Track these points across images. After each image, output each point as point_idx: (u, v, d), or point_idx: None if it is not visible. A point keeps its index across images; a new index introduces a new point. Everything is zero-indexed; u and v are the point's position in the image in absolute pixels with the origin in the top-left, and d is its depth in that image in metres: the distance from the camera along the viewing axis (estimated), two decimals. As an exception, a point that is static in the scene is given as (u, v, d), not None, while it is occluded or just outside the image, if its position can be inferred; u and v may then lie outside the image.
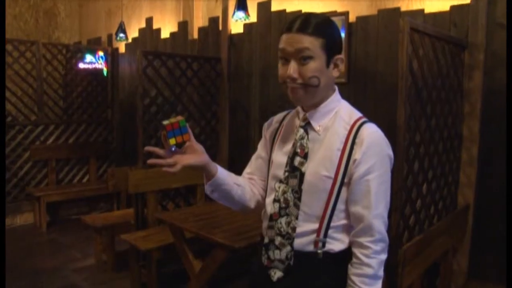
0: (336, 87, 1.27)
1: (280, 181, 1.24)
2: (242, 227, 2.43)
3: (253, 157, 1.43)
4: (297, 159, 1.21)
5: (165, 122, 1.15)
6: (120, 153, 5.18)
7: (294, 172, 1.21)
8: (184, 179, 3.42)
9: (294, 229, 1.20)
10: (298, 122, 1.27)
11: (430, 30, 2.07)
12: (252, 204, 1.36)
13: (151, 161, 1.16)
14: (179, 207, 3.52)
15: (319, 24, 1.16)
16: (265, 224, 1.29)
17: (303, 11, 3.22)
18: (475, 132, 2.41)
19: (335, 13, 3.01)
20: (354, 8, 2.95)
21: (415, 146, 2.04)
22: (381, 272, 1.17)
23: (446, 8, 2.53)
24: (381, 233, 1.17)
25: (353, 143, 1.17)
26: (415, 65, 1.96)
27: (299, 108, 1.29)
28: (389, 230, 1.86)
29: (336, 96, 1.25)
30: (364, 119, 1.22)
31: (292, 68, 1.15)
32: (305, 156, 1.21)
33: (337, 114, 1.23)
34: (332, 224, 1.19)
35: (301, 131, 1.24)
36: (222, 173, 1.26)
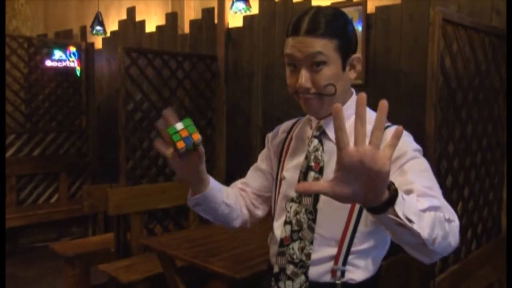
0: (354, 90, 1.30)
1: (292, 200, 1.26)
2: (243, 254, 2.44)
3: (252, 168, 1.47)
4: (311, 174, 1.24)
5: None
6: (97, 168, 5.19)
7: None
8: (174, 199, 3.44)
9: (308, 255, 1.22)
10: (310, 131, 1.30)
11: (466, 20, 2.11)
12: (236, 224, 1.39)
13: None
14: (168, 231, 3.54)
15: (330, 22, 1.16)
16: (274, 250, 1.31)
17: (312, 0, 3.27)
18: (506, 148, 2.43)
19: (350, 3, 3.06)
20: (373, -4, 3.00)
21: (448, 158, 2.07)
22: (450, 219, 0.98)
23: (487, -8, 2.55)
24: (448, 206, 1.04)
25: None
26: (448, 63, 2.00)
27: (309, 116, 1.31)
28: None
29: (353, 100, 1.27)
30: (388, 123, 1.24)
31: (304, 77, 1.17)
32: (320, 171, 1.23)
33: None
34: (353, 249, 1.20)
35: (315, 141, 1.26)
36: (214, 188, 1.26)
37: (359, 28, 3.00)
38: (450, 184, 2.10)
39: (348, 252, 1.20)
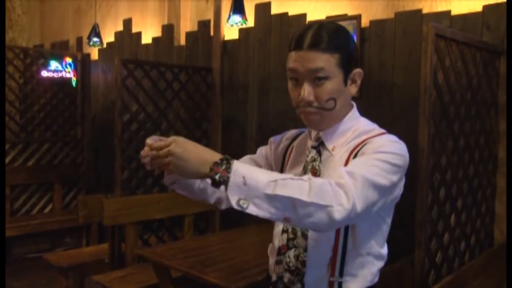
0: (354, 104, 1.33)
1: None
2: (239, 264, 2.45)
3: (248, 157, 1.48)
4: None
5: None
6: (92, 178, 5.19)
7: None
8: (169, 209, 3.45)
9: (303, 263, 1.25)
10: (310, 142, 1.33)
11: (458, 35, 2.16)
12: (212, 200, 1.38)
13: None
14: (163, 242, 3.54)
15: (332, 37, 1.20)
16: (272, 259, 1.34)
17: (308, 14, 3.33)
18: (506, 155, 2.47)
19: (345, 17, 3.11)
20: (367, 10, 3.05)
21: (441, 170, 2.10)
22: (312, 199, 1.01)
23: (478, 8, 2.61)
24: (345, 184, 1.06)
25: (356, 155, 1.20)
26: (441, 77, 2.04)
27: (311, 129, 1.34)
28: (412, 268, 1.90)
29: (354, 113, 1.31)
30: (382, 132, 1.28)
31: (307, 91, 1.20)
32: None
33: (355, 132, 1.27)
34: (350, 256, 1.22)
35: (313, 152, 1.29)
36: None
37: (353, 41, 3.04)
38: (443, 196, 2.13)
39: (343, 260, 1.22)
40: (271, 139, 1.47)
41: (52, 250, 4.77)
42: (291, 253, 1.27)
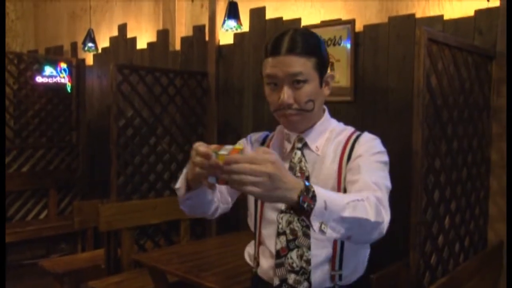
0: (325, 107, 1.41)
1: (282, 211, 1.31)
2: (236, 269, 2.46)
3: None
4: None
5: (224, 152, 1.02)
6: (87, 184, 5.19)
7: None
8: (165, 214, 3.46)
9: (308, 261, 1.28)
10: (289, 145, 1.38)
11: (451, 40, 2.19)
12: (210, 211, 1.36)
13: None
14: (159, 247, 3.55)
15: (308, 42, 1.26)
16: (268, 263, 1.35)
17: (302, 19, 3.36)
18: (506, 156, 2.50)
19: (339, 21, 3.14)
20: (361, 15, 3.08)
21: (435, 173, 2.13)
22: (375, 218, 1.08)
23: (470, 13, 2.64)
24: (382, 198, 1.15)
25: (349, 156, 1.30)
26: (434, 81, 2.07)
27: (285, 130, 1.39)
28: (407, 270, 1.92)
29: (327, 114, 1.40)
30: (358, 132, 1.37)
31: (287, 94, 1.26)
32: (307, 180, 1.30)
33: (332, 133, 1.37)
34: (345, 247, 1.29)
35: (299, 153, 1.34)
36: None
37: (347, 46, 3.08)
38: (437, 199, 2.15)
39: (342, 250, 1.29)
40: (244, 141, 1.48)
41: (47, 256, 4.77)
42: (294, 254, 1.29)
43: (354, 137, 1.35)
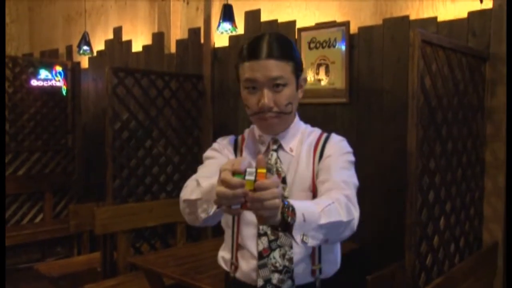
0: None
1: None
2: (232, 272, 2.47)
3: (213, 162, 1.38)
4: None
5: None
6: (83, 187, 5.18)
7: None
8: (161, 217, 3.46)
9: (291, 259, 1.30)
10: (263, 147, 1.40)
11: (444, 41, 2.20)
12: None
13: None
14: (155, 249, 3.55)
15: (285, 47, 1.30)
16: (250, 265, 1.34)
17: (297, 21, 3.37)
18: (501, 157, 2.51)
19: (334, 24, 3.16)
20: (355, 17, 3.10)
21: (430, 174, 2.14)
22: (347, 218, 1.14)
23: (463, 14, 2.67)
24: (351, 195, 1.21)
25: (320, 156, 1.35)
26: (428, 83, 2.08)
27: (258, 133, 1.41)
28: (403, 271, 1.92)
29: (297, 117, 1.44)
30: (326, 134, 1.43)
31: (267, 97, 1.28)
32: (284, 181, 1.33)
33: (303, 134, 1.41)
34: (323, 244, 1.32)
35: (275, 155, 1.37)
36: None
37: (342, 48, 3.09)
38: (432, 200, 2.16)
39: (320, 246, 1.33)
40: (216, 146, 1.46)
41: (42, 260, 4.75)
42: (276, 253, 1.31)
43: (323, 138, 1.40)
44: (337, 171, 1.28)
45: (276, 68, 1.27)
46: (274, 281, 1.30)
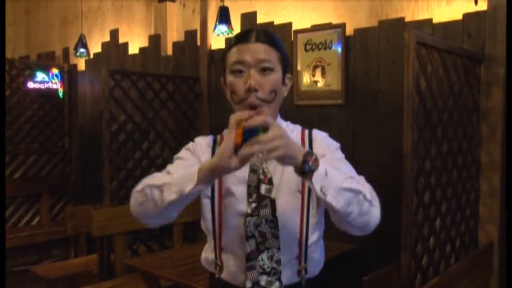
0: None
1: (248, 215, 1.30)
2: (229, 273, 2.47)
3: (181, 164, 1.37)
4: (263, 187, 1.31)
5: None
6: (80, 189, 5.17)
7: (264, 201, 1.30)
8: (157, 219, 3.45)
9: (278, 261, 1.30)
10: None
11: (439, 43, 2.21)
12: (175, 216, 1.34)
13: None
14: (152, 251, 3.55)
15: (273, 37, 1.34)
16: (237, 266, 1.33)
17: (293, 23, 3.38)
18: (496, 158, 2.52)
19: (330, 25, 3.17)
20: (351, 19, 3.11)
21: (425, 175, 2.15)
22: (370, 197, 1.18)
23: (458, 16, 2.68)
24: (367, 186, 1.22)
25: (310, 148, 1.34)
26: (423, 84, 2.09)
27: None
28: (399, 272, 1.93)
29: (279, 115, 1.42)
30: (307, 129, 1.42)
31: (254, 78, 1.26)
32: (270, 182, 1.31)
33: (287, 132, 1.37)
34: (309, 241, 1.34)
35: (260, 155, 1.33)
36: None
37: (338, 50, 3.10)
38: (428, 201, 2.17)
39: (306, 245, 1.33)
40: (190, 146, 1.42)
41: (39, 262, 4.72)
42: (264, 255, 1.30)
43: (306, 135, 1.40)
44: (341, 167, 1.27)
45: (264, 51, 1.28)
46: (262, 283, 1.29)
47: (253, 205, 1.30)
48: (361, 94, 3.05)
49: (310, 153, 1.11)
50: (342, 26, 3.09)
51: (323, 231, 1.43)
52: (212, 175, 1.18)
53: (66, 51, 5.45)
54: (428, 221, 2.17)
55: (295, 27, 3.36)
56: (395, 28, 2.90)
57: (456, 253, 2.41)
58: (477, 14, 2.60)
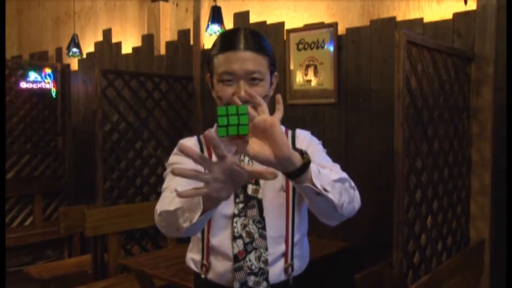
0: None
1: (235, 215, 1.31)
2: (222, 272, 2.48)
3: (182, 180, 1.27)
4: (250, 187, 1.32)
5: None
6: (73, 189, 5.17)
7: (250, 201, 1.31)
8: (151, 219, 3.42)
9: (266, 261, 1.31)
10: (232, 147, 1.35)
11: (430, 42, 2.23)
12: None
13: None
14: (146, 251, 3.55)
15: (261, 41, 1.29)
16: (224, 267, 1.33)
17: (285, 22, 3.39)
18: (487, 156, 2.55)
19: (322, 25, 3.18)
20: (343, 18, 3.13)
21: (417, 173, 2.16)
22: (355, 188, 1.22)
23: (448, 16, 2.71)
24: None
25: (293, 146, 1.34)
26: (414, 83, 2.11)
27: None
28: (391, 270, 1.95)
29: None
30: (290, 130, 1.43)
31: (244, 89, 1.25)
32: (257, 182, 1.33)
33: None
34: (295, 239, 1.35)
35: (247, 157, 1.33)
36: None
37: (330, 49, 3.12)
38: (419, 199, 2.19)
39: (293, 245, 1.34)
40: (179, 151, 1.40)
41: (33, 263, 4.73)
42: (252, 256, 1.30)
43: (289, 135, 1.41)
44: (320, 160, 1.28)
45: (253, 61, 1.25)
46: (250, 283, 1.30)
47: (240, 205, 1.31)
48: (353, 93, 3.07)
49: (305, 151, 1.08)
50: (334, 25, 3.11)
51: (307, 228, 1.45)
52: (212, 202, 1.06)
53: (59, 51, 5.43)
54: (419, 218, 2.19)
55: (287, 26, 3.38)
56: (386, 27, 2.92)
57: (447, 251, 2.43)
58: (466, 13, 2.63)
